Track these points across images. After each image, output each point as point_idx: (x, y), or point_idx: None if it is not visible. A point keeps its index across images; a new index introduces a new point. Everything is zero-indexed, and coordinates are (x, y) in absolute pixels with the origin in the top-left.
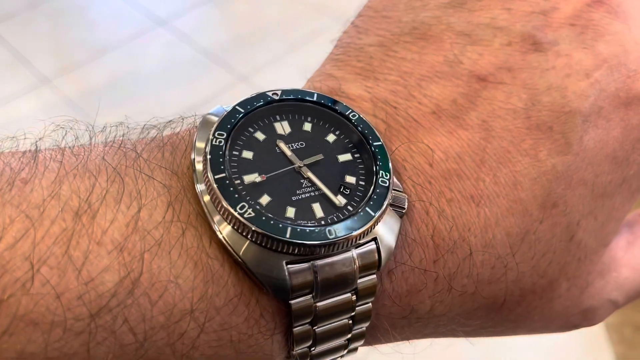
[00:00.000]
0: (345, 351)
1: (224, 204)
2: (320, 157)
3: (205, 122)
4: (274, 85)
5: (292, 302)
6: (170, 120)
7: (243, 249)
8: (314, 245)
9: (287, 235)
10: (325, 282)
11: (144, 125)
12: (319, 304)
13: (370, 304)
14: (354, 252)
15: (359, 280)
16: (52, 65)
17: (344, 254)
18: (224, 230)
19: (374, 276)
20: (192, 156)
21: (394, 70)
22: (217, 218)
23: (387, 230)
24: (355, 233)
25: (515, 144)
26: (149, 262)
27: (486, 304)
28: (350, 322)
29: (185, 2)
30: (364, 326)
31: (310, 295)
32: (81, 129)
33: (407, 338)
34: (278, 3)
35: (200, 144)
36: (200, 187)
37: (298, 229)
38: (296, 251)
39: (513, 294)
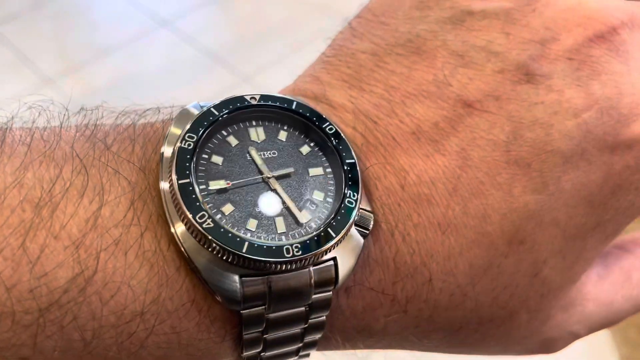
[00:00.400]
0: (296, 357)
1: (184, 210)
2: (290, 170)
3: (180, 118)
4: (278, 86)
5: (244, 312)
6: (149, 109)
7: (199, 258)
8: (270, 262)
9: (244, 250)
10: (278, 297)
11: (121, 111)
12: (270, 315)
13: (324, 317)
14: (312, 269)
15: (314, 296)
16: (55, 66)
17: (300, 271)
18: (182, 236)
19: (330, 292)
20: (162, 150)
21: (381, 83)
22: (177, 222)
23: (348, 250)
24: (312, 253)
25: (491, 176)
26: (105, 262)
27: (442, 328)
28: (302, 331)
29: (188, 2)
30: (316, 337)
31: (263, 306)
32: (57, 111)
33: (360, 349)
34: (281, 3)
35: (171, 141)
36: (164, 186)
37: (255, 245)
38: (251, 266)
39: (470, 322)
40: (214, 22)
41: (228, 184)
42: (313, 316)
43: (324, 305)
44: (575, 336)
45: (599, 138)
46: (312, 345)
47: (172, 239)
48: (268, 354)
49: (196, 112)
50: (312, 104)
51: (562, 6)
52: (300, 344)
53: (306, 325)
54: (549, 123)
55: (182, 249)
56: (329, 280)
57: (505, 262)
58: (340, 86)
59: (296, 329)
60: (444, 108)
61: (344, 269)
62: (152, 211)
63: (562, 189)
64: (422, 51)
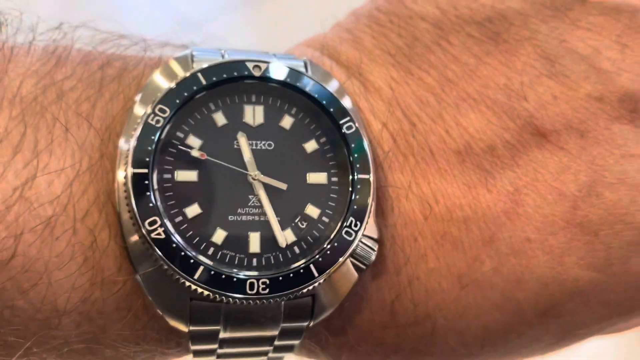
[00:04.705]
0: None
1: (134, 209)
2: (282, 187)
3: (166, 70)
4: None
5: (192, 331)
6: (135, 43)
7: (143, 268)
8: (226, 297)
9: (196, 276)
10: (236, 324)
11: (103, 38)
12: (226, 335)
13: (294, 342)
14: (282, 303)
15: (284, 325)
16: None
17: (267, 305)
18: (128, 234)
19: (303, 324)
20: (129, 116)
21: (436, 70)
22: (125, 214)
23: (335, 285)
24: (283, 293)
25: (543, 234)
26: (28, 245)
27: None
28: (267, 350)
29: (216, 6)
30: (283, 355)
31: (217, 327)
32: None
33: None
34: (309, 5)
35: (147, 99)
36: (122, 157)
37: (212, 271)
38: (204, 295)
39: None
40: (242, 25)
41: (202, 155)
42: (281, 341)
43: (294, 333)
44: None
45: None
46: (279, 359)
47: (118, 230)
48: None
49: (181, 73)
50: (340, 76)
51: None
52: (265, 358)
53: (271, 347)
54: None
55: (126, 250)
56: (303, 315)
57: (529, 332)
58: (383, 61)
59: (258, 349)
60: (508, 129)
61: (324, 305)
62: (101, 189)
63: (628, 272)
64: (503, 40)
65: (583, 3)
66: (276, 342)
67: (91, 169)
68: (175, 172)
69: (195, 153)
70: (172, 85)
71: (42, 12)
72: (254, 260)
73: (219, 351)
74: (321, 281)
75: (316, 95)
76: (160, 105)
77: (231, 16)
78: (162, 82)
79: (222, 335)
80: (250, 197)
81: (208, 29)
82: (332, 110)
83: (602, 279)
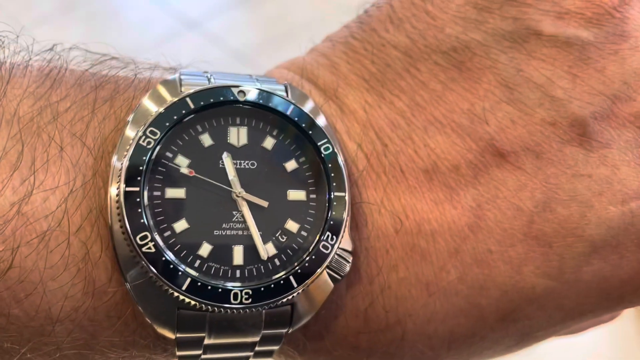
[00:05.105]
0: None
1: (126, 224)
2: (264, 204)
3: (155, 94)
4: None
5: (179, 337)
6: (126, 65)
7: (134, 279)
8: (212, 306)
9: (184, 287)
10: (220, 331)
11: (97, 59)
12: (210, 341)
13: (274, 348)
14: (263, 312)
15: (264, 331)
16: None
17: (249, 313)
18: (120, 248)
19: (282, 331)
20: (120, 137)
21: (406, 95)
22: (117, 229)
23: (312, 294)
24: (265, 303)
25: (502, 247)
26: (24, 257)
27: None
28: (248, 356)
29: (215, 5)
30: None
31: (202, 334)
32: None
33: None
34: (307, 3)
35: (138, 121)
36: (115, 176)
37: (199, 283)
38: (191, 304)
39: None
40: (241, 23)
41: (191, 172)
42: (261, 347)
43: (274, 339)
44: None
45: None
46: None
47: (109, 244)
48: None
49: (170, 97)
50: (318, 98)
51: None
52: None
53: (252, 353)
54: (589, 203)
55: (117, 262)
56: (282, 323)
57: (491, 335)
58: (358, 85)
59: (240, 354)
60: (471, 150)
61: (302, 313)
62: (94, 205)
63: (579, 279)
64: (466, 68)
65: (538, 36)
66: (257, 348)
67: (84, 187)
68: (165, 189)
69: (184, 170)
70: (162, 109)
71: (45, 11)
72: (238, 271)
73: (203, 356)
74: (300, 291)
75: (296, 119)
76: (151, 128)
77: (231, 15)
78: (152, 106)
79: (206, 341)
80: (234, 213)
81: (207, 28)
82: (311, 132)
83: (556, 286)
